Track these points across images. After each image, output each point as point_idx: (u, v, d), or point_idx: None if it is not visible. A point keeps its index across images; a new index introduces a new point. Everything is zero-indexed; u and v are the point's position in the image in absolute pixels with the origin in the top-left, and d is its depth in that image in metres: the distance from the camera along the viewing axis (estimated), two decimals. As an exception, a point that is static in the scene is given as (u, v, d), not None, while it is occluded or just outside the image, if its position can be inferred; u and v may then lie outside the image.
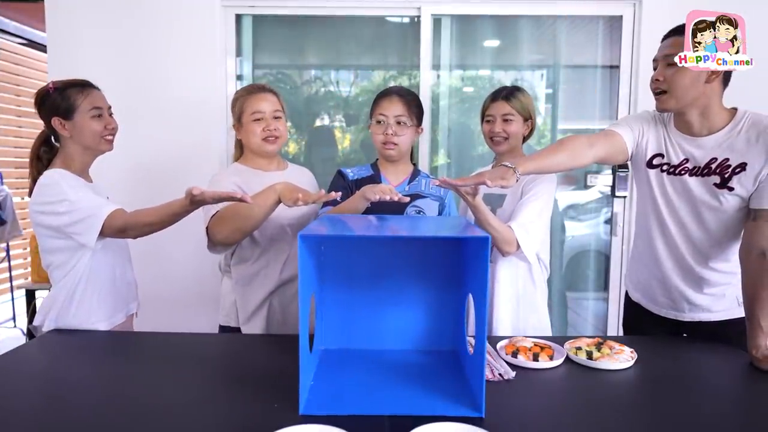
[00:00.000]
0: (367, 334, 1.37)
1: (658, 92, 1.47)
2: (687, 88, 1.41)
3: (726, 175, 1.43)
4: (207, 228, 1.55)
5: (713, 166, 1.45)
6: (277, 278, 1.67)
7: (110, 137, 1.61)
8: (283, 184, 1.45)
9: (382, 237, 1.35)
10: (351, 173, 1.81)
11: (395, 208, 1.72)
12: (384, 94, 1.75)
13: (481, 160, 2.86)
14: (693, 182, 1.49)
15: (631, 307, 1.75)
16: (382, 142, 1.72)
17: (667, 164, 1.53)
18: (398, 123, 1.70)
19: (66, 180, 1.51)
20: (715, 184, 1.45)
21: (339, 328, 1.37)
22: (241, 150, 1.78)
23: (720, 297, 1.55)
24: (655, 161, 1.56)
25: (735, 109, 1.47)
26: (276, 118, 1.66)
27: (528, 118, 1.81)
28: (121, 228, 1.48)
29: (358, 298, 1.37)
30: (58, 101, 1.54)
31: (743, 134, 1.42)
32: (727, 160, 1.43)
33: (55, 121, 1.54)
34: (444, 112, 2.83)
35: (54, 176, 1.52)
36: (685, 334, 1.64)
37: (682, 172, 1.50)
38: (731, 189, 1.43)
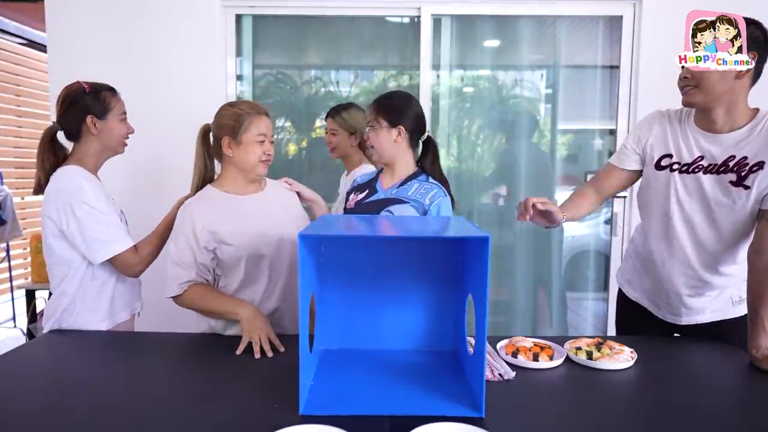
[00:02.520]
0: (367, 334, 1.37)
1: (687, 87, 1.44)
2: (716, 83, 1.39)
3: (743, 173, 1.41)
4: (176, 296, 1.56)
5: (731, 164, 1.43)
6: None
7: (127, 140, 1.69)
8: (248, 321, 1.44)
9: (382, 237, 1.35)
10: (359, 179, 1.86)
11: (368, 210, 1.73)
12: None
13: (481, 161, 2.87)
14: (707, 180, 1.46)
15: (628, 306, 1.73)
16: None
17: (678, 163, 1.51)
18: (371, 127, 1.75)
19: (90, 184, 1.55)
20: (730, 182, 1.43)
21: (339, 328, 1.37)
22: (208, 168, 1.67)
23: (716, 299, 1.55)
24: (664, 162, 1.54)
25: (757, 109, 1.45)
26: (271, 142, 1.61)
27: (353, 132, 2.26)
28: (130, 272, 1.63)
29: (358, 298, 1.37)
30: (94, 101, 1.59)
31: (763, 133, 1.40)
32: (745, 158, 1.41)
33: (89, 119, 1.58)
34: (444, 112, 2.83)
35: (76, 176, 1.54)
36: (676, 334, 1.64)
37: (697, 169, 1.48)
38: (747, 187, 1.41)
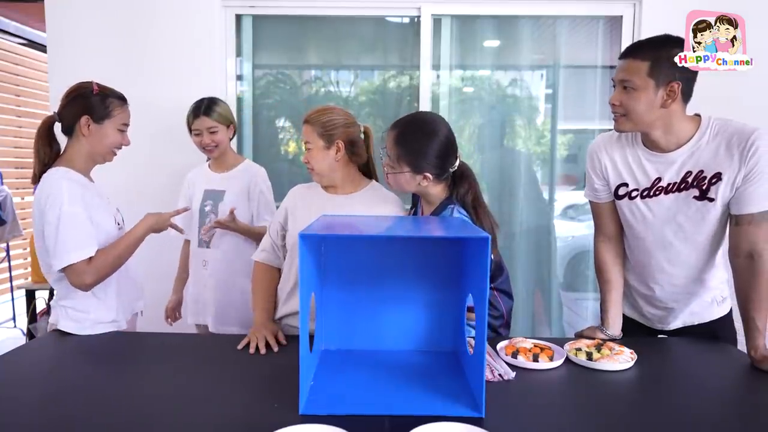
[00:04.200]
0: (367, 334, 1.37)
1: (616, 114, 1.44)
2: (642, 113, 1.38)
3: (704, 187, 1.41)
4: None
5: (689, 179, 1.42)
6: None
7: (117, 151, 1.66)
8: (256, 325, 1.53)
9: (382, 237, 1.35)
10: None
11: None
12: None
13: (481, 161, 2.86)
14: (671, 199, 1.45)
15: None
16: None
17: (636, 190, 1.50)
18: (390, 167, 1.56)
19: (70, 187, 1.51)
20: (695, 197, 1.43)
21: (339, 328, 1.37)
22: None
23: (699, 303, 1.56)
24: (621, 191, 1.52)
25: (699, 116, 1.43)
26: (308, 149, 1.60)
27: (229, 124, 2.16)
28: (78, 282, 1.50)
29: (358, 298, 1.37)
30: (97, 103, 1.58)
31: (711, 143, 1.39)
32: (702, 171, 1.40)
33: (83, 120, 1.56)
34: (444, 113, 2.83)
35: (59, 179, 1.51)
36: (662, 336, 1.65)
37: (657, 192, 1.46)
38: (712, 200, 1.41)
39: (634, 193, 1.50)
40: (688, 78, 1.37)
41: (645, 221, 1.51)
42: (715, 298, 1.54)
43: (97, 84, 1.60)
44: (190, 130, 2.15)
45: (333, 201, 1.63)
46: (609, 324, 1.56)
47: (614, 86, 1.44)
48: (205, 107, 2.12)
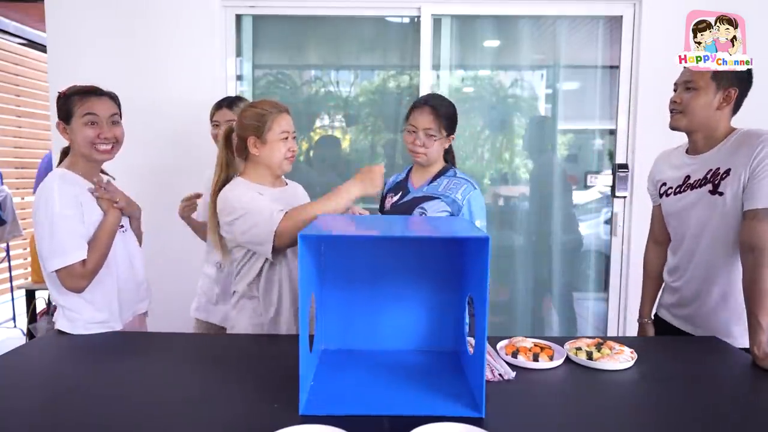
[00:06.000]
0: (367, 334, 1.37)
1: (674, 112, 1.57)
2: (699, 110, 1.51)
3: (716, 182, 1.50)
4: (277, 231, 1.46)
5: (708, 176, 1.52)
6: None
7: (104, 147, 1.56)
8: (361, 175, 1.55)
9: (382, 237, 1.35)
10: (388, 182, 1.93)
11: (403, 210, 1.80)
12: (416, 104, 1.82)
13: (481, 161, 2.86)
14: (694, 195, 1.57)
15: (659, 325, 1.77)
16: (412, 150, 1.81)
17: (671, 188, 1.65)
18: (427, 135, 1.77)
19: (61, 188, 1.50)
20: (709, 191, 1.52)
21: (339, 328, 1.37)
22: (231, 167, 1.69)
23: (728, 320, 1.53)
24: (662, 189, 1.70)
25: (734, 129, 1.53)
26: (293, 138, 1.67)
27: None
28: (74, 285, 1.51)
29: (358, 298, 1.37)
30: (62, 106, 1.58)
31: (731, 144, 1.50)
32: (718, 168, 1.50)
33: (59, 125, 1.59)
34: (444, 112, 2.83)
35: (52, 180, 1.51)
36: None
37: (685, 189, 1.59)
38: (721, 194, 1.48)
39: (669, 191, 1.66)
40: (744, 90, 1.50)
41: (675, 215, 1.64)
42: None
43: (69, 87, 1.59)
44: (212, 123, 2.15)
45: (278, 192, 1.66)
46: (645, 313, 1.80)
47: (675, 90, 1.58)
48: (228, 101, 2.15)
